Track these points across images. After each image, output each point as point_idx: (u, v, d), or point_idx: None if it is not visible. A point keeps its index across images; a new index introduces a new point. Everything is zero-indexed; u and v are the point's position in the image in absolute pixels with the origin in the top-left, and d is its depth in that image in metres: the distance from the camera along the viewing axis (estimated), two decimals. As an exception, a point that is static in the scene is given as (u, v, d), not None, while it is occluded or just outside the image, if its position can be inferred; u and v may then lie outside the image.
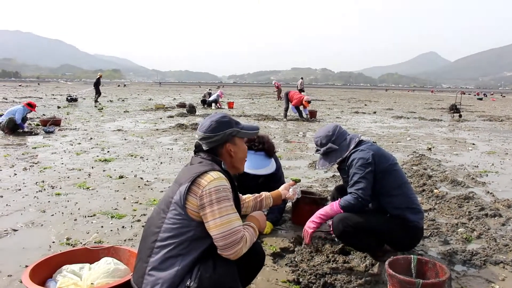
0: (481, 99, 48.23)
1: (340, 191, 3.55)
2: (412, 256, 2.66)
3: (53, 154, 7.27)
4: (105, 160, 6.81)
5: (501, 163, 7.48)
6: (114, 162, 6.74)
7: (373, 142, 3.42)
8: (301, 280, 2.87)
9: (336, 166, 3.35)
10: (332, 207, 3.09)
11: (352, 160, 3.13)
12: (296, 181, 2.85)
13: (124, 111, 17.57)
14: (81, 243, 3.37)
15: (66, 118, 13.58)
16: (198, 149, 2.31)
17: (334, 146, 3.24)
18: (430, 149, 8.84)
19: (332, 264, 3.11)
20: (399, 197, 3.10)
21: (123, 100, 27.52)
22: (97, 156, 7.18)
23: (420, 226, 3.15)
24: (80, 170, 6.07)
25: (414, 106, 28.67)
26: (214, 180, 2.01)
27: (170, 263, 1.96)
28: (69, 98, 23.62)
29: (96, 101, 24.03)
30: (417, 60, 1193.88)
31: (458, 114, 18.21)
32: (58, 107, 19.21)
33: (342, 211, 3.04)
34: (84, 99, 25.45)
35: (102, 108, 19.02)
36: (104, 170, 6.08)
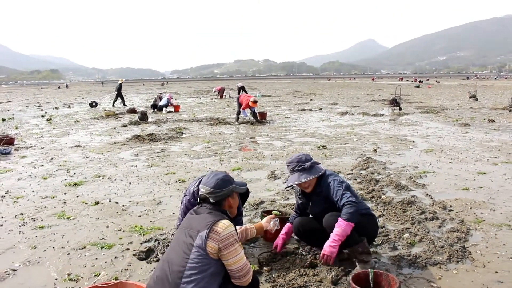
0: (418, 86, 50.94)
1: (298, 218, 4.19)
2: (369, 270, 3.29)
3: (19, 181, 7.42)
4: (75, 184, 7.07)
5: (437, 162, 8.39)
6: (84, 185, 7.01)
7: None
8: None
9: (309, 190, 3.92)
10: (341, 226, 3.48)
11: (328, 183, 3.79)
12: (277, 215, 3.71)
13: (75, 121, 17.45)
14: (82, 277, 3.76)
15: (16, 134, 13.44)
16: (203, 201, 2.89)
17: (316, 162, 3.91)
18: (375, 150, 9.67)
19: (304, 277, 3.69)
20: (361, 203, 3.94)
21: (69, 107, 27.05)
22: (65, 179, 7.41)
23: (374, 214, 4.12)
24: (53, 197, 6.32)
25: (357, 98, 30.09)
26: (227, 227, 2.64)
27: None
28: (94, 104, 25.87)
29: (125, 105, 26.56)
30: (357, 47, 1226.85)
31: (398, 108, 19.45)
32: (3, 120, 18.80)
33: (350, 223, 3.50)
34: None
35: (50, 119, 18.74)
36: (77, 196, 6.37)
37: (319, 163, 3.97)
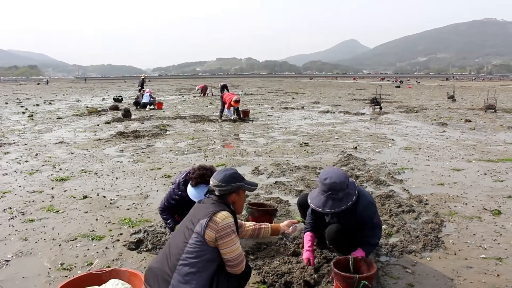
0: (398, 86, 51.74)
1: (304, 207, 4.19)
2: (349, 256, 3.52)
3: (5, 176, 7.46)
4: (62, 179, 7.15)
5: (415, 159, 8.70)
6: (71, 180, 7.10)
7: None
8: (266, 280, 3.63)
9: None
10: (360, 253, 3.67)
11: (365, 216, 3.68)
12: (299, 221, 3.83)
13: (57, 118, 17.35)
14: (75, 266, 3.91)
15: (-3, 131, 13.36)
16: (210, 192, 3.07)
17: (350, 188, 3.59)
18: (356, 147, 9.96)
19: (288, 265, 3.90)
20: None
21: (50, 103, 26.80)
22: (52, 175, 7.48)
23: None
24: (41, 192, 6.41)
25: (339, 97, 30.48)
26: (226, 218, 2.83)
27: (191, 277, 2.73)
28: (120, 98, 26.57)
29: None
30: (339, 47, 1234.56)
31: (378, 107, 19.85)
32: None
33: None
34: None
35: (31, 115, 18.60)
36: (65, 191, 6.46)
37: (353, 184, 3.68)
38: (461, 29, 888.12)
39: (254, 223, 3.75)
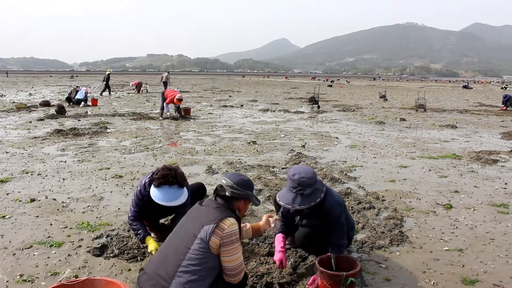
0: (330, 85, 53.33)
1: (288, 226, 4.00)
2: (331, 254, 3.52)
3: None
4: (1, 181, 6.59)
5: (362, 157, 8.97)
6: (12, 182, 6.58)
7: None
8: (247, 282, 3.54)
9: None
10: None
11: (333, 215, 3.61)
12: (277, 218, 3.65)
13: (-19, 115, 16.10)
14: (37, 277, 3.60)
15: None
16: (217, 195, 2.93)
17: (318, 185, 3.54)
18: (303, 146, 10.09)
19: (265, 265, 3.85)
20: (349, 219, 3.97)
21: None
22: (-13, 176, 6.91)
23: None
24: (-21, 195, 5.88)
25: (275, 96, 30.83)
26: (232, 225, 2.71)
27: (191, 285, 2.59)
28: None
29: (110, 94, 28.08)
30: (270, 46, 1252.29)
31: (317, 106, 20.31)
32: None
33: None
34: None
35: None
36: (7, 194, 5.96)
37: (321, 182, 3.64)
38: (385, 32, 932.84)
39: None
